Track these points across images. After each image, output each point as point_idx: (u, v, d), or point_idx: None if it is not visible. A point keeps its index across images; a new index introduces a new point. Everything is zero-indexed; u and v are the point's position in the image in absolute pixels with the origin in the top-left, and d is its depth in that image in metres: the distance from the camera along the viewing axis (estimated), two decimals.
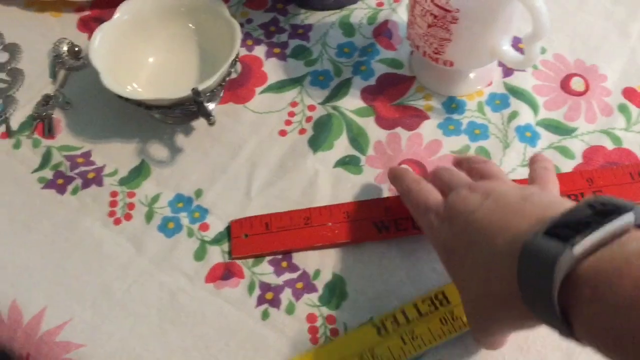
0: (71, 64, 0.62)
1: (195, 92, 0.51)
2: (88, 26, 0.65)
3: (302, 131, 0.57)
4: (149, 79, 0.58)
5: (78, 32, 0.65)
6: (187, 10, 0.58)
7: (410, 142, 0.56)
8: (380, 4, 0.64)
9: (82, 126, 0.58)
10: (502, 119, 0.56)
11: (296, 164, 0.55)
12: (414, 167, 0.54)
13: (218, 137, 0.57)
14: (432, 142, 0.56)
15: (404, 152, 0.55)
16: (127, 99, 0.53)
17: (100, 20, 0.64)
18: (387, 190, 0.53)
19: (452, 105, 0.57)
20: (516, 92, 0.58)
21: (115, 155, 0.57)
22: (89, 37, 0.62)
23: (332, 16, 0.64)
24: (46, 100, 0.60)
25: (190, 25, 0.59)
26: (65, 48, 0.62)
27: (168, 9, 0.58)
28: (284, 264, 0.51)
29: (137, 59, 0.58)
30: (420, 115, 0.57)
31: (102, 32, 0.56)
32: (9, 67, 0.62)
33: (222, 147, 0.57)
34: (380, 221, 0.50)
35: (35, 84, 0.61)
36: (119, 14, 0.57)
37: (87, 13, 0.66)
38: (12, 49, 0.64)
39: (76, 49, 0.62)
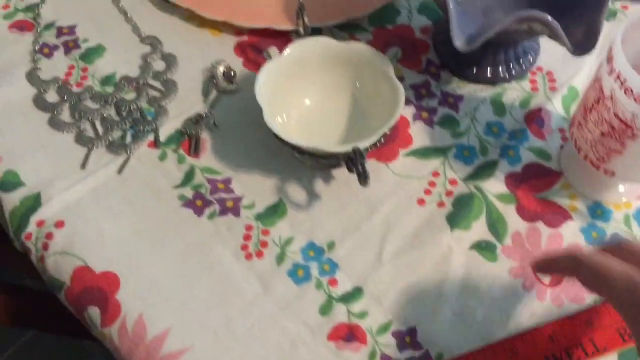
0: (224, 87, 0.63)
1: (357, 151, 0.52)
2: (244, 52, 0.66)
3: (440, 204, 0.57)
4: (299, 119, 0.59)
5: (234, 55, 0.66)
6: (351, 61, 0.59)
7: (550, 241, 0.55)
8: (535, 89, 0.64)
9: (226, 151, 0.60)
10: None
11: (432, 238, 0.55)
12: None
13: (356, 192, 0.58)
14: (571, 245, 0.55)
15: (543, 249, 0.55)
16: (282, 141, 0.54)
17: (256, 48, 0.66)
18: (521, 287, 0.53)
19: (598, 212, 0.57)
20: None
21: (254, 188, 0.58)
22: (244, 63, 0.65)
23: (484, 91, 0.64)
24: (197, 118, 0.61)
25: (351, 76, 0.60)
26: (221, 70, 0.64)
27: (333, 56, 0.59)
28: (407, 339, 0.51)
29: (293, 97, 0.59)
30: (563, 214, 0.57)
31: (269, 69, 0.57)
32: (164, 77, 0.64)
33: (359, 202, 0.57)
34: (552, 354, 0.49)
35: (187, 99, 0.63)
36: (288, 50, 0.58)
37: (244, 38, 0.67)
38: (169, 60, 0.66)
39: (232, 72, 0.64)
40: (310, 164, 0.58)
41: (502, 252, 0.55)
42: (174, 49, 0.66)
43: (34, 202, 0.56)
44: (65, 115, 0.62)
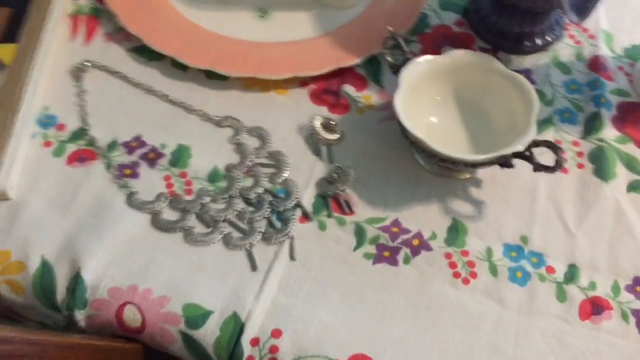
0: (330, 138, 0.62)
1: (525, 152, 0.54)
2: (322, 99, 0.66)
3: (580, 165, 0.62)
4: (431, 137, 0.60)
5: (315, 106, 0.65)
6: (455, 69, 0.62)
7: None
8: (578, 42, 0.71)
9: (375, 196, 0.59)
10: None
11: (596, 196, 0.60)
12: None
13: (506, 184, 0.60)
14: None
15: None
16: (430, 153, 0.55)
17: (329, 92, 0.66)
18: None
19: None
20: None
21: (423, 219, 0.58)
22: (330, 110, 0.64)
23: (541, 58, 0.70)
24: (329, 178, 0.60)
25: (460, 82, 0.62)
26: (319, 123, 0.63)
27: (440, 70, 0.61)
28: (639, 288, 0.55)
29: (421, 117, 0.60)
30: None
31: (400, 95, 0.58)
32: (267, 151, 0.62)
33: (517, 192, 0.60)
34: None
35: (302, 163, 0.61)
36: (404, 76, 0.59)
37: (313, 87, 0.66)
38: (260, 133, 0.63)
39: (331, 122, 0.63)
40: (460, 175, 0.60)
41: None
42: (256, 121, 0.64)
43: (234, 324, 0.52)
44: (198, 226, 0.57)
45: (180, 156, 0.61)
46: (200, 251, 0.56)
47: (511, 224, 0.58)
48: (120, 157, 0.61)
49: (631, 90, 0.68)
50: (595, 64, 0.69)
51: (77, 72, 0.65)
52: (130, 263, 0.54)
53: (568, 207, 0.60)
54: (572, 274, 0.56)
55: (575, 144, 0.64)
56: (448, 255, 0.56)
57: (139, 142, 0.62)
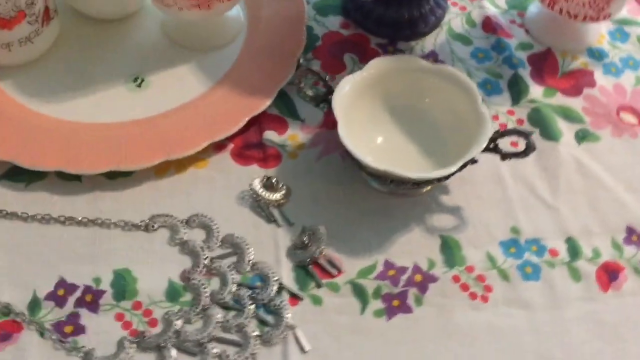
0: (276, 199, 0.55)
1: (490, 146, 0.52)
2: (246, 156, 0.58)
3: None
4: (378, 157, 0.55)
5: (241, 167, 0.57)
6: (380, 79, 0.57)
7: (604, 93, 0.63)
8: (463, 8, 0.69)
9: (353, 243, 0.54)
10: None
11: (555, 160, 0.59)
12: None
13: (471, 179, 0.58)
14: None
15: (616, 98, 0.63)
16: (407, 180, 0.51)
17: (252, 146, 0.58)
18: None
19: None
20: None
21: (412, 249, 0.54)
22: (261, 165, 0.57)
23: (438, 37, 0.67)
24: (301, 243, 0.53)
25: (391, 91, 0.58)
26: (259, 186, 0.55)
27: (365, 87, 0.56)
28: None
29: (364, 145, 0.55)
30: (588, 74, 0.65)
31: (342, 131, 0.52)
32: (216, 240, 0.53)
33: (484, 184, 0.58)
34: None
35: (261, 238, 0.54)
36: (337, 109, 0.53)
37: (232, 147, 0.58)
38: (199, 221, 0.54)
39: (271, 179, 0.56)
40: (424, 189, 0.56)
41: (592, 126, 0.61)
42: (188, 209, 0.55)
43: None
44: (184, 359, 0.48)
45: (123, 285, 0.50)
46: None
47: (496, 220, 0.56)
48: (51, 314, 0.49)
49: (532, 40, 0.67)
50: (489, 25, 0.68)
51: None
52: None
53: (537, 182, 0.58)
54: (573, 248, 0.54)
55: (511, 112, 0.62)
56: (456, 279, 0.52)
57: (65, 287, 0.50)
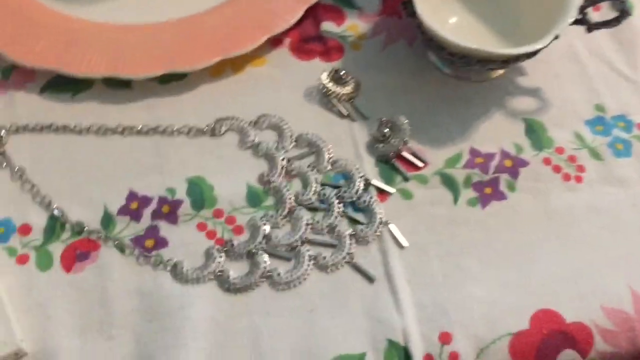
0: (347, 93, 0.52)
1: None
2: (306, 50, 0.54)
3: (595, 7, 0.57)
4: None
5: (301, 61, 0.54)
6: None
7: None
8: None
9: (435, 132, 0.51)
10: None
11: (630, 30, 0.56)
12: None
13: (546, 58, 0.55)
14: None
15: None
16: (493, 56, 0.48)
17: (310, 39, 0.55)
18: None
19: None
20: None
21: (496, 134, 0.52)
22: (323, 59, 0.53)
23: None
24: (382, 136, 0.50)
25: None
26: (328, 80, 0.52)
27: None
28: None
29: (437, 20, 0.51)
30: None
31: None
32: (290, 140, 0.50)
33: (560, 62, 0.55)
34: None
35: (338, 134, 0.51)
36: None
37: (289, 41, 0.55)
38: (269, 122, 0.51)
39: (339, 72, 0.52)
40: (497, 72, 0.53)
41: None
42: (254, 110, 0.51)
43: (396, 353, 0.43)
44: (277, 265, 0.45)
45: (200, 193, 0.47)
46: (301, 293, 0.44)
47: (578, 98, 0.53)
48: (127, 229, 0.46)
49: None
50: None
51: None
52: (232, 348, 0.42)
53: (614, 56, 0.55)
54: None
55: None
56: (547, 161, 0.50)
57: (137, 199, 0.47)
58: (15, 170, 0.47)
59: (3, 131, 0.48)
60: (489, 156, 0.50)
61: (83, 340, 0.42)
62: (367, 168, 0.49)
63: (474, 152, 0.50)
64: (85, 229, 0.45)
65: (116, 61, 0.50)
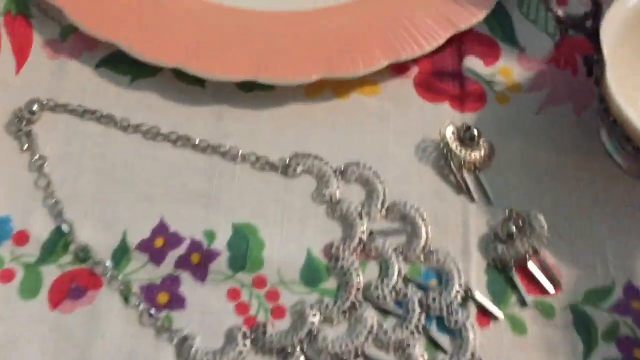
0: (473, 160, 0.38)
1: None
2: (434, 89, 0.41)
3: None
4: None
5: (425, 102, 0.41)
6: None
7: None
8: None
9: (582, 246, 0.37)
10: None
11: None
12: None
13: None
14: None
15: None
16: None
17: (445, 74, 0.41)
18: None
19: None
20: None
21: None
22: (454, 106, 0.40)
23: None
24: (506, 233, 0.36)
25: None
26: (451, 136, 0.39)
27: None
28: None
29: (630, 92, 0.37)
30: None
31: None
32: (380, 205, 0.38)
33: None
34: None
35: (445, 213, 0.38)
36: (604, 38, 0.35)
37: (416, 71, 0.42)
38: (359, 174, 0.39)
39: (474, 132, 0.39)
40: None
41: None
42: (344, 153, 0.39)
43: None
44: None
45: (244, 249, 0.36)
46: None
47: None
48: (141, 271, 0.36)
49: None
50: None
51: (21, 126, 0.39)
52: None
53: None
54: None
55: None
56: None
57: (166, 235, 0.36)
58: (36, 158, 0.38)
59: (36, 105, 0.39)
60: None
61: None
62: (473, 273, 0.36)
63: (632, 290, 0.36)
64: (91, 257, 0.35)
65: (189, 50, 0.39)
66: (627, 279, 0.36)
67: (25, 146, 0.38)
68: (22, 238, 0.36)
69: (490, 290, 0.36)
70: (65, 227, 0.36)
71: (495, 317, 0.35)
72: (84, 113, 0.39)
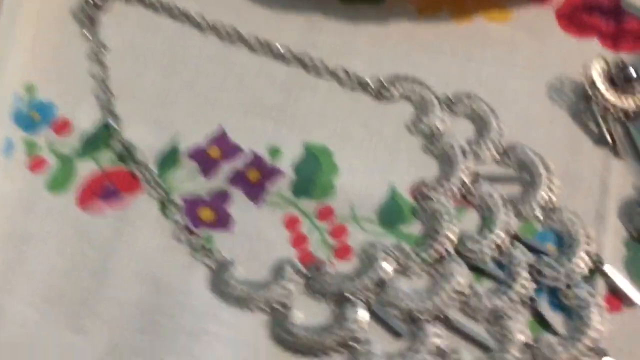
0: (625, 107, 0.29)
1: None
2: (581, 22, 0.33)
3: None
4: None
5: (568, 36, 0.32)
6: None
7: None
8: None
9: None
10: None
11: None
12: None
13: None
14: None
15: None
16: None
17: (596, 7, 0.33)
18: None
19: None
20: None
21: None
22: (604, 43, 0.31)
23: None
24: None
25: None
26: (599, 75, 0.30)
27: None
28: None
29: None
30: None
31: None
32: (494, 146, 0.30)
33: None
34: None
35: (576, 166, 0.29)
36: None
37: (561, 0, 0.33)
38: (470, 107, 0.31)
39: (631, 71, 0.30)
40: None
41: None
42: (456, 82, 0.32)
43: None
44: (376, 333, 0.26)
45: (314, 172, 0.29)
46: None
47: None
48: (188, 181, 0.30)
49: None
50: None
51: (86, 11, 0.34)
52: None
53: None
54: None
55: None
56: None
57: (222, 145, 0.30)
58: (97, 46, 0.33)
59: None
60: None
61: (47, 315, 0.27)
62: (608, 243, 0.27)
63: None
64: (134, 158, 0.30)
65: None
66: None
67: (88, 33, 0.34)
68: (63, 127, 0.31)
69: (628, 268, 0.27)
70: (112, 122, 0.31)
71: (631, 302, 0.26)
72: (160, 6, 0.35)
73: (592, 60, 0.30)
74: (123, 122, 0.31)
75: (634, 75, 0.30)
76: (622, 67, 0.30)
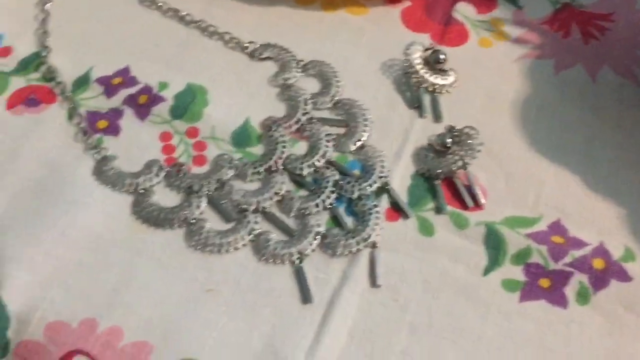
0: (435, 83, 0.38)
1: None
2: (421, 22, 0.42)
3: None
4: None
5: (407, 31, 0.41)
6: None
7: None
8: None
9: (518, 177, 0.35)
10: None
11: None
12: None
13: None
14: None
15: None
16: None
17: (434, 12, 0.42)
18: None
19: None
20: None
21: (606, 219, 0.34)
22: (435, 39, 0.40)
23: None
24: (441, 146, 0.35)
25: None
26: (418, 57, 0.39)
27: None
28: None
29: None
30: None
31: None
32: (331, 99, 0.38)
33: None
34: None
35: (390, 120, 0.38)
36: None
37: (408, 4, 0.42)
38: (320, 69, 0.40)
39: (440, 55, 0.38)
40: None
41: None
42: (315, 52, 0.40)
43: None
44: (211, 219, 0.34)
45: (189, 102, 0.38)
46: (212, 263, 0.32)
47: None
48: (92, 100, 0.38)
49: None
50: None
51: None
52: (88, 281, 0.31)
53: None
54: None
55: None
56: None
57: (124, 77, 0.39)
58: None
59: None
60: (577, 243, 0.33)
61: None
62: (398, 174, 0.35)
63: (557, 227, 0.34)
64: (55, 79, 0.38)
65: None
66: (558, 217, 0.34)
67: None
68: (6, 51, 0.40)
69: (410, 193, 0.35)
70: (43, 52, 0.39)
71: (406, 215, 0.34)
72: None
73: (413, 46, 0.39)
74: (52, 52, 0.40)
75: (442, 58, 0.39)
76: (434, 52, 0.39)
